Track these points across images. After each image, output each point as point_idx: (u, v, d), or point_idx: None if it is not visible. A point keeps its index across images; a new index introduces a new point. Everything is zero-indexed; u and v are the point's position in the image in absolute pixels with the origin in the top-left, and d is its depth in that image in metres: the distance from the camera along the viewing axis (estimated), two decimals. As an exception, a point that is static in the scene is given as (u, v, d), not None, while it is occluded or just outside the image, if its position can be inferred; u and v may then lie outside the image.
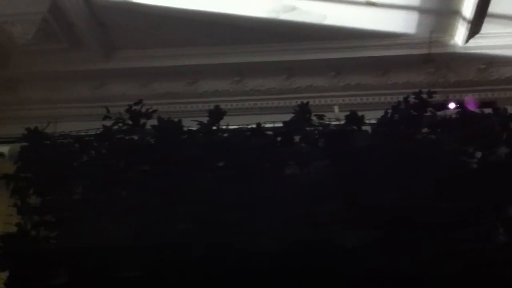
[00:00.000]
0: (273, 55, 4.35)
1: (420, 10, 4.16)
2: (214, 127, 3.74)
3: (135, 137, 3.82)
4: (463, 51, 4.56)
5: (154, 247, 2.98)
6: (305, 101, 4.06)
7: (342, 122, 3.88)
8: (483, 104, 4.21)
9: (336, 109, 4.22)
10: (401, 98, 4.14)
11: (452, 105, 3.90)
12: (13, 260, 3.33)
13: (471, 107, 3.85)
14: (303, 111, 3.94)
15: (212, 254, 2.96)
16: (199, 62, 4.31)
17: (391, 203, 3.01)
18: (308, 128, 3.77)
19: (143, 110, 3.83)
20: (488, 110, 3.58)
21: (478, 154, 3.37)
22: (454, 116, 3.63)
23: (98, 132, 3.84)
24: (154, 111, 3.77)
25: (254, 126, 3.75)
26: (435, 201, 3.07)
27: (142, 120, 3.79)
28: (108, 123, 3.81)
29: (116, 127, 3.82)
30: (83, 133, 3.88)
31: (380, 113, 3.91)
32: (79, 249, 3.01)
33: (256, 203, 3.05)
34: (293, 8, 3.88)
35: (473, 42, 4.54)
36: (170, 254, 2.96)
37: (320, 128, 3.83)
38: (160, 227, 3.00)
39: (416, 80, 4.62)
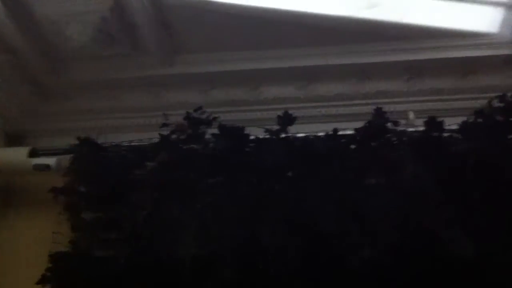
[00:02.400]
0: (344, 58, 4.03)
1: (506, 5, 3.79)
2: (283, 135, 3.49)
3: (195, 146, 3.60)
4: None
5: (244, 258, 2.74)
6: (377, 106, 3.82)
7: (419, 128, 3.59)
8: None
9: (411, 114, 3.92)
10: (481, 103, 3.89)
11: None
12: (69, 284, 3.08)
13: None
14: (379, 116, 3.67)
15: (310, 265, 2.73)
16: (265, 66, 4.02)
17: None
18: (388, 135, 3.50)
19: (203, 117, 3.62)
20: None
21: None
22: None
23: (155, 141, 3.65)
24: (215, 118, 3.55)
25: (329, 132, 3.50)
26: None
27: (202, 128, 3.57)
28: (165, 131, 3.60)
29: (174, 136, 3.61)
30: (136, 143, 3.67)
31: (459, 119, 3.59)
32: (159, 265, 2.76)
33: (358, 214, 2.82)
34: (376, 4, 3.56)
35: (561, 40, 4.14)
36: (262, 266, 2.73)
37: (401, 134, 3.57)
38: (248, 238, 2.76)
39: (498, 83, 4.23)
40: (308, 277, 2.85)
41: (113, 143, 3.68)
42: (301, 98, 4.13)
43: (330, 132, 3.41)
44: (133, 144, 3.70)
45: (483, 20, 3.93)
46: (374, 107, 3.78)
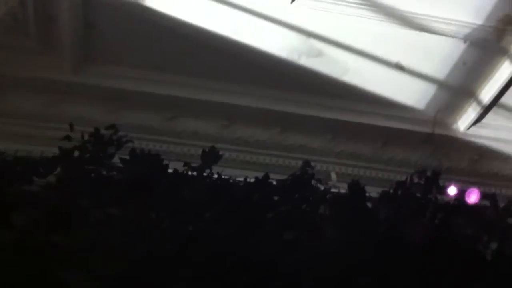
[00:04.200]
0: (270, 103, 3.78)
1: (439, 84, 3.82)
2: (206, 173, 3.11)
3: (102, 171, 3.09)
4: (462, 137, 4.28)
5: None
6: (299, 161, 3.63)
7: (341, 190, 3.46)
8: (482, 195, 3.98)
9: (334, 175, 3.77)
10: (395, 175, 3.91)
11: (452, 191, 3.66)
12: None
13: (474, 197, 3.67)
14: (305, 170, 3.48)
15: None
16: (185, 95, 3.63)
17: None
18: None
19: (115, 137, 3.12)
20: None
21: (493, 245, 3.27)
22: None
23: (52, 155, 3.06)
24: (129, 141, 3.07)
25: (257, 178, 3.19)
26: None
27: (111, 149, 3.06)
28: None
29: (76, 153, 3.06)
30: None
31: (374, 189, 3.41)
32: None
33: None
34: (320, 54, 3.36)
35: (473, 130, 4.29)
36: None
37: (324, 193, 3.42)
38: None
39: (411, 159, 4.25)
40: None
41: (-1, 151, 3.01)
42: (221, 138, 3.76)
43: (254, 179, 3.10)
44: (19, 155, 3.04)
45: (414, 94, 3.93)
46: (295, 161, 3.57)
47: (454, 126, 4.24)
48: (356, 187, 3.53)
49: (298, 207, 3.33)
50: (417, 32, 3.30)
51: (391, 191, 3.57)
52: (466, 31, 3.33)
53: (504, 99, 4.03)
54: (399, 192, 3.58)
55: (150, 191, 2.96)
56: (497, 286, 3.20)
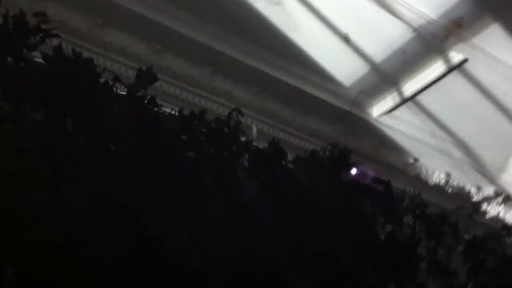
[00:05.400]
0: (206, 37, 3.56)
1: (373, 66, 3.87)
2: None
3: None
4: (373, 122, 4.41)
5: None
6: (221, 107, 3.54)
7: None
8: (377, 180, 4.18)
9: (255, 129, 3.70)
10: (304, 143, 3.98)
11: (354, 171, 3.81)
12: None
13: (366, 179, 3.88)
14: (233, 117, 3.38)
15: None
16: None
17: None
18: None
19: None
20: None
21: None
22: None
23: None
24: (56, 35, 2.74)
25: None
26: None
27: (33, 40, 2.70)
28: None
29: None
30: None
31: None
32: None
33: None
34: (279, 2, 3.19)
35: (384, 118, 4.44)
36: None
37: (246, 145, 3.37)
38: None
39: (323, 132, 4.30)
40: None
41: None
42: (148, 61, 3.45)
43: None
44: None
45: (346, 70, 3.94)
46: (216, 106, 3.42)
47: (369, 110, 4.35)
48: (276, 147, 3.49)
49: (220, 153, 3.20)
50: (376, 9, 3.28)
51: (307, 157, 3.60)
52: (420, 21, 3.39)
53: (421, 96, 4.22)
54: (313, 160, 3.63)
55: (72, 98, 2.63)
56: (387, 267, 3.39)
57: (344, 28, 3.53)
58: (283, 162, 3.44)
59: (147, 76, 2.86)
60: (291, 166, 3.53)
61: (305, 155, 3.62)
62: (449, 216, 4.04)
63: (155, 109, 2.88)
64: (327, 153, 3.67)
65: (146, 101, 2.78)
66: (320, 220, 3.27)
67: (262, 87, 3.90)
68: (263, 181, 3.25)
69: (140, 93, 2.78)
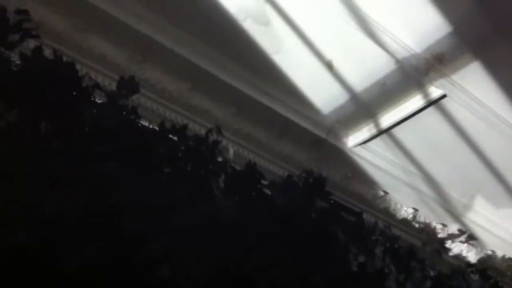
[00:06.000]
0: (185, 49, 3.50)
1: (352, 96, 3.86)
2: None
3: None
4: (347, 152, 4.39)
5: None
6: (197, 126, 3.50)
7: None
8: (349, 210, 4.19)
9: (231, 150, 3.65)
10: (278, 169, 3.98)
11: None
12: None
13: None
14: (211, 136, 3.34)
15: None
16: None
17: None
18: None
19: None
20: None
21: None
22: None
23: None
24: (37, 36, 2.64)
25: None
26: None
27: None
28: None
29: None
30: None
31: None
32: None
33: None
34: (267, 23, 3.15)
35: (357, 149, 4.43)
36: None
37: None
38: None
39: (298, 158, 4.25)
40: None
41: None
42: (128, 71, 3.35)
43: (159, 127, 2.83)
44: None
45: (325, 97, 3.92)
46: (192, 124, 3.38)
47: (344, 140, 4.33)
48: (253, 169, 3.46)
49: (197, 170, 3.13)
50: (362, 38, 3.29)
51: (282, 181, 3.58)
52: (404, 53, 3.41)
53: (396, 129, 4.23)
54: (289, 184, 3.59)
55: (49, 100, 2.50)
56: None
57: (328, 54, 3.52)
58: (258, 185, 3.39)
59: (128, 86, 2.77)
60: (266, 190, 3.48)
61: (281, 180, 3.59)
62: (416, 251, 4.03)
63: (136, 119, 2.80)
64: (302, 179, 3.65)
65: (126, 112, 2.69)
66: (293, 242, 3.23)
67: (239, 107, 3.84)
68: (238, 202, 3.19)
69: (120, 103, 2.68)
